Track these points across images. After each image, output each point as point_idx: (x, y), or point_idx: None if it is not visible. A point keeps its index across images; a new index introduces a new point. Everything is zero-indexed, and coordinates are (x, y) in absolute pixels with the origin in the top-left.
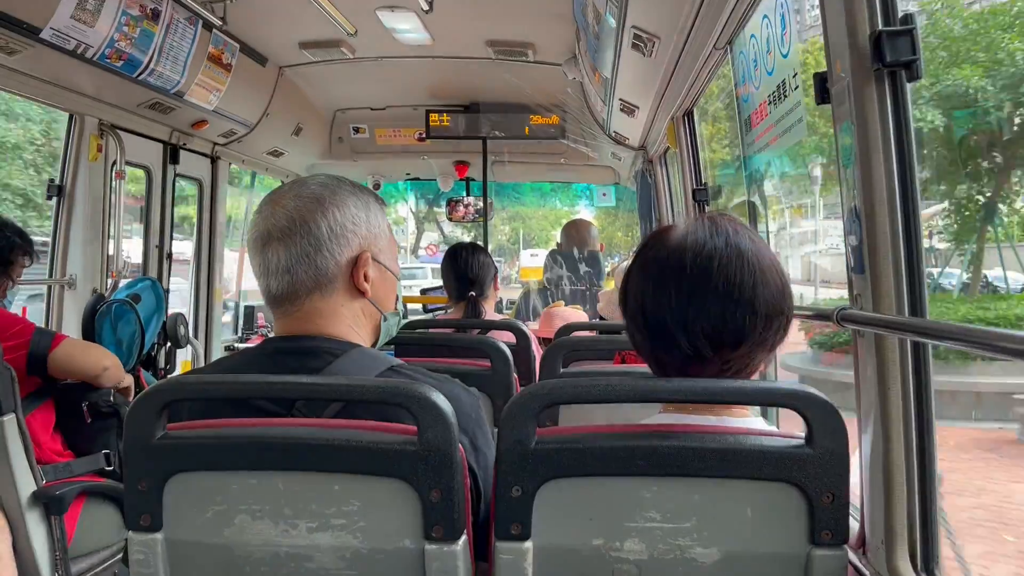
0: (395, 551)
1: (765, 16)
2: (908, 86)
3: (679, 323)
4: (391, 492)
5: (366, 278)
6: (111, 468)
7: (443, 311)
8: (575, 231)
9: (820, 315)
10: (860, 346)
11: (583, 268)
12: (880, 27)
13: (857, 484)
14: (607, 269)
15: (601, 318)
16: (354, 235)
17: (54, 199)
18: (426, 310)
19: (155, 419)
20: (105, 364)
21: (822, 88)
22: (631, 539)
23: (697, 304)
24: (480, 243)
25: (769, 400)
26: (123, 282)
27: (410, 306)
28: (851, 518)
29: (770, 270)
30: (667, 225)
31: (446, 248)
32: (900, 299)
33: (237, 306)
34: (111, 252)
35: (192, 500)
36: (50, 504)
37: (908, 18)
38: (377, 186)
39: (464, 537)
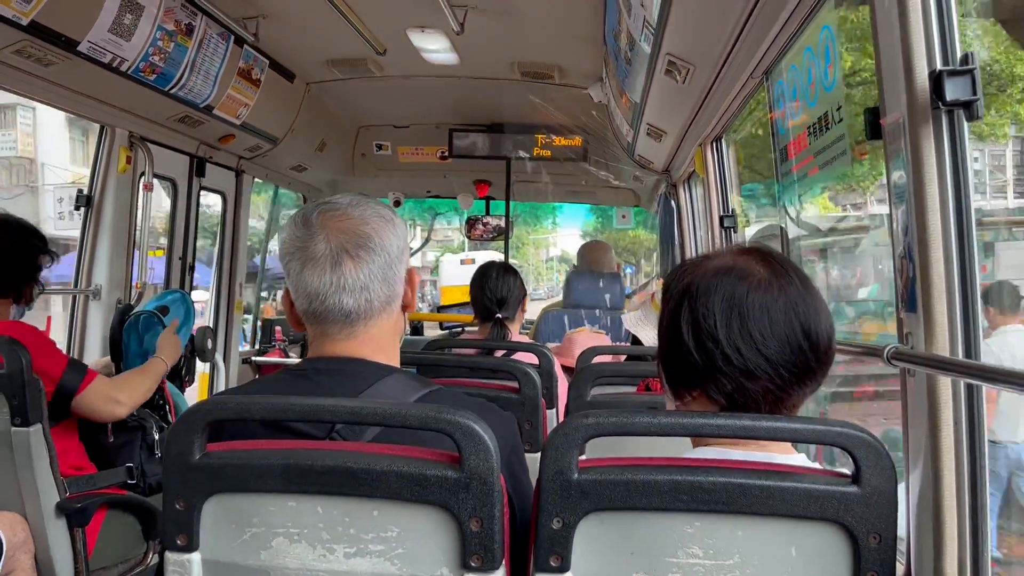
0: None
1: (808, 48)
2: (966, 124)
3: (764, 359)
4: (430, 519)
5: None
6: (133, 482)
7: (460, 328)
8: (592, 253)
9: (869, 351)
10: (910, 386)
11: (603, 291)
12: (939, 67)
13: (902, 525)
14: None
15: (634, 338)
16: (406, 253)
17: (82, 209)
18: (443, 327)
19: (195, 439)
20: (118, 413)
21: (874, 124)
22: (672, 575)
23: (779, 340)
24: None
25: (817, 438)
26: (153, 293)
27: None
28: (897, 561)
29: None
30: (712, 256)
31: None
32: (953, 340)
33: (255, 319)
34: (137, 263)
35: (230, 521)
36: (73, 516)
37: (968, 58)
38: (398, 203)
39: (503, 567)
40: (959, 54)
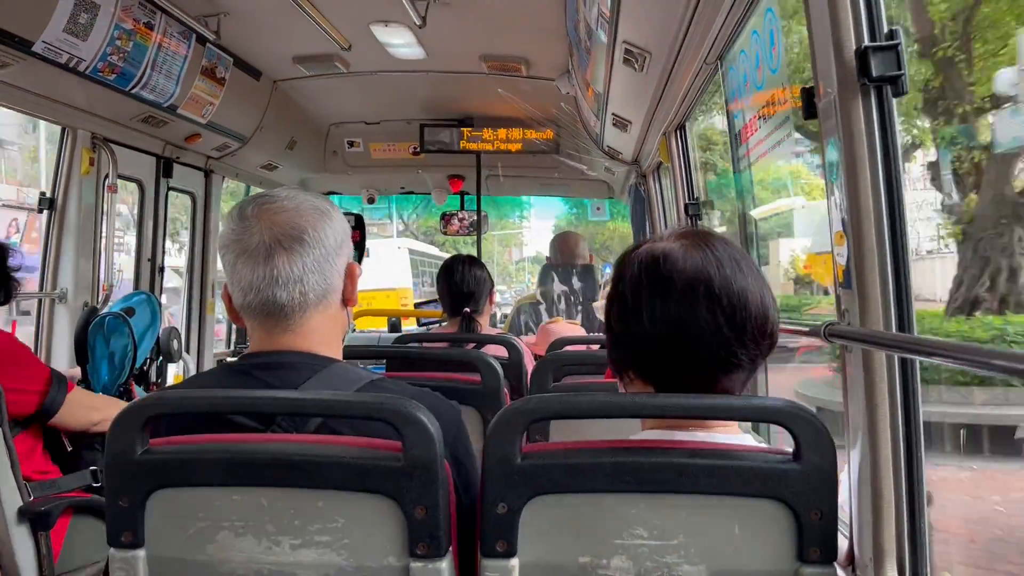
0: (379, 569)
1: (755, 32)
2: (893, 101)
3: (710, 339)
4: (375, 509)
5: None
6: (98, 485)
7: (436, 324)
8: (565, 244)
9: (808, 331)
10: (848, 362)
11: (576, 282)
12: (866, 43)
13: (846, 501)
14: (602, 282)
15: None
16: (346, 246)
17: (45, 212)
18: (419, 324)
19: (137, 434)
20: (93, 419)
21: (809, 103)
22: (618, 556)
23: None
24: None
25: (756, 416)
26: (118, 295)
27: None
28: (840, 535)
29: (765, 286)
30: (652, 241)
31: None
32: (887, 314)
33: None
34: (103, 266)
35: (174, 516)
36: (36, 520)
37: (893, 34)
38: (371, 200)
39: (449, 554)
40: (885, 30)
